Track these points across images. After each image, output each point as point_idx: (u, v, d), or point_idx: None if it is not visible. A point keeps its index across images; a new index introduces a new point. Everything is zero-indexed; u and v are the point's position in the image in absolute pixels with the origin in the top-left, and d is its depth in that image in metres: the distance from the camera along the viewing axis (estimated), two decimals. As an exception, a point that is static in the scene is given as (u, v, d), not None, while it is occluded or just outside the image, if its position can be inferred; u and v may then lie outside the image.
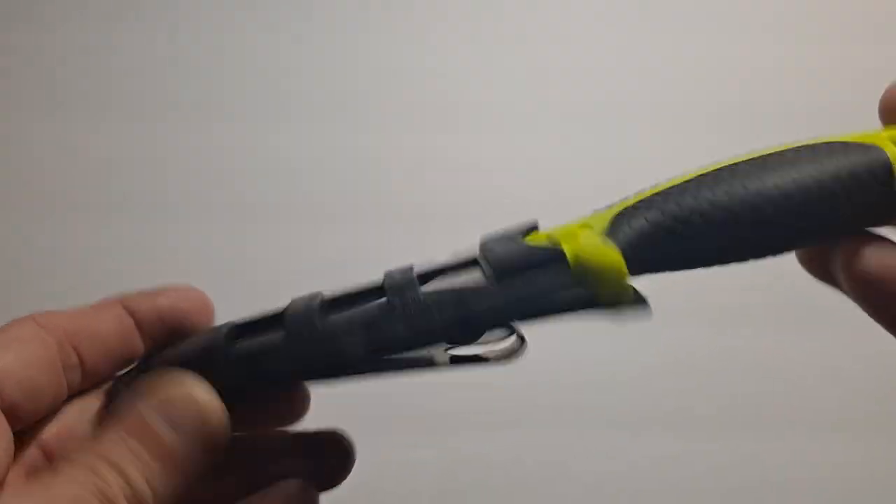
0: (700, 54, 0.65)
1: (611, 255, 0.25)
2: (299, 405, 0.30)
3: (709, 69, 0.65)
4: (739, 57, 0.65)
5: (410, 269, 0.27)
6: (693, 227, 0.25)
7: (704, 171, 0.26)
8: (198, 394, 0.25)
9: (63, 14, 0.65)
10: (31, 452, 0.27)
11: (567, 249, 0.25)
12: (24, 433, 0.27)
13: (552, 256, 0.25)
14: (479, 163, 0.61)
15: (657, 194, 0.26)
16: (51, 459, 0.27)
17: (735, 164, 0.26)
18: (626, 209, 0.26)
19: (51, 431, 0.27)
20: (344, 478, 0.30)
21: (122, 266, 0.59)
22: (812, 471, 0.57)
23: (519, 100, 0.64)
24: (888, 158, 0.25)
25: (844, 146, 0.25)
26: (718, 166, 0.26)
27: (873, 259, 0.25)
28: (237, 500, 0.28)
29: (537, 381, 0.54)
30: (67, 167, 0.62)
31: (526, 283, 0.25)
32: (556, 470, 0.56)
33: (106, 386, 0.29)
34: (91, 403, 0.28)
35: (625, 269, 0.25)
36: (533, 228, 0.27)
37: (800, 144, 0.26)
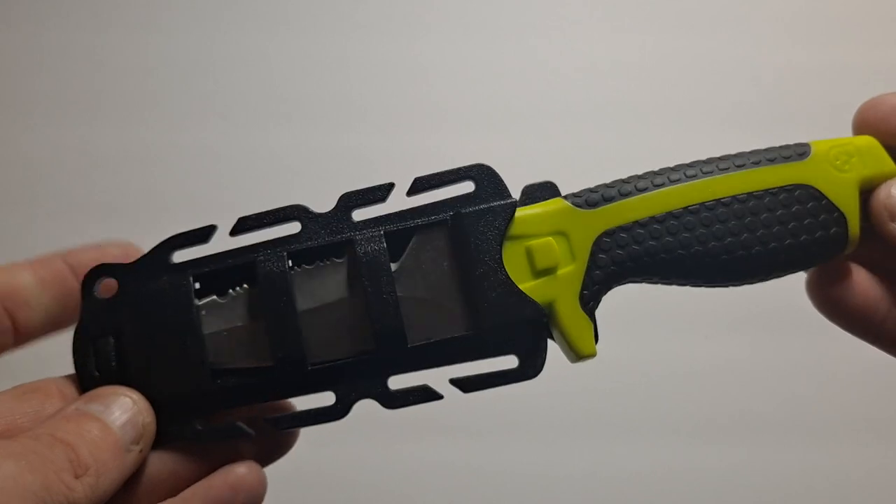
0: (698, 53, 0.65)
1: (585, 334, 0.28)
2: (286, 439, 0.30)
3: (704, 68, 0.65)
4: (738, 57, 0.65)
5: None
6: (669, 266, 0.29)
7: (683, 200, 0.29)
8: (129, 393, 0.27)
9: (63, 14, 0.64)
10: None
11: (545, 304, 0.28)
12: None
13: (535, 319, 0.28)
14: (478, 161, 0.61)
15: (640, 225, 0.29)
16: None
17: (709, 203, 0.29)
18: (610, 232, 0.29)
19: None
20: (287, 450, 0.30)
21: None
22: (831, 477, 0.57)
23: (512, 100, 0.64)
24: (821, 192, 0.29)
25: (797, 198, 0.29)
26: (694, 196, 0.29)
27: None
28: (187, 486, 0.28)
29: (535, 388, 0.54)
30: (67, 167, 0.62)
31: (501, 336, 0.28)
32: (551, 476, 0.57)
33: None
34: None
35: (594, 348, 0.29)
36: (511, 212, 0.29)
37: (759, 189, 0.29)
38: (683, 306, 0.58)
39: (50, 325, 0.30)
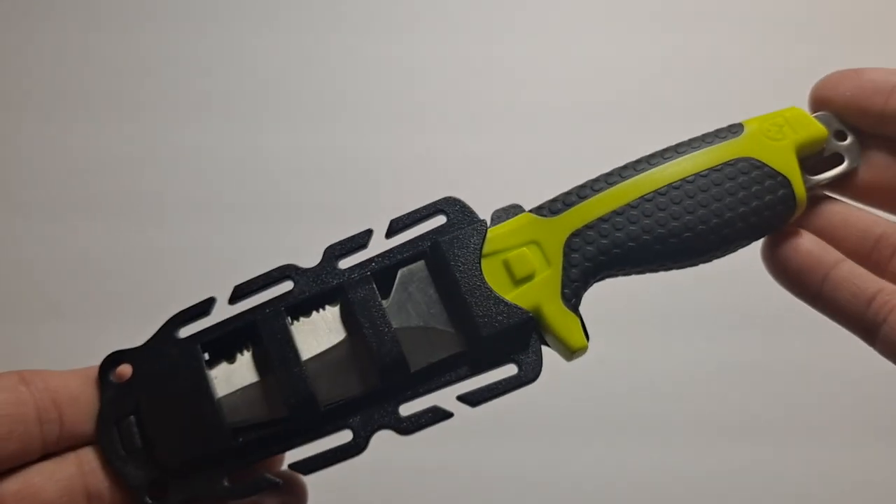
0: (692, 51, 0.68)
1: (574, 329, 0.30)
2: (295, 499, 0.31)
3: (699, 66, 0.67)
4: (735, 56, 0.68)
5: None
6: (637, 253, 0.31)
7: (637, 191, 0.32)
8: None
9: (62, 14, 0.67)
10: None
11: (531, 309, 0.30)
12: None
13: (524, 324, 0.30)
14: (476, 161, 0.63)
15: (603, 220, 0.31)
16: None
17: (662, 189, 0.31)
18: (577, 232, 0.31)
19: (12, 487, 0.28)
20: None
21: (122, 266, 0.59)
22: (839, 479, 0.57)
23: (505, 99, 0.66)
24: (760, 161, 0.32)
25: (740, 170, 0.32)
26: (647, 186, 0.32)
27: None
28: None
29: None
30: (67, 167, 0.62)
31: (496, 346, 0.30)
32: (558, 477, 0.56)
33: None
34: (65, 467, 0.29)
35: (584, 341, 0.30)
36: (483, 232, 0.31)
37: (704, 168, 0.32)
38: (682, 307, 0.59)
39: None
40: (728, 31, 0.69)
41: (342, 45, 0.68)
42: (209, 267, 0.59)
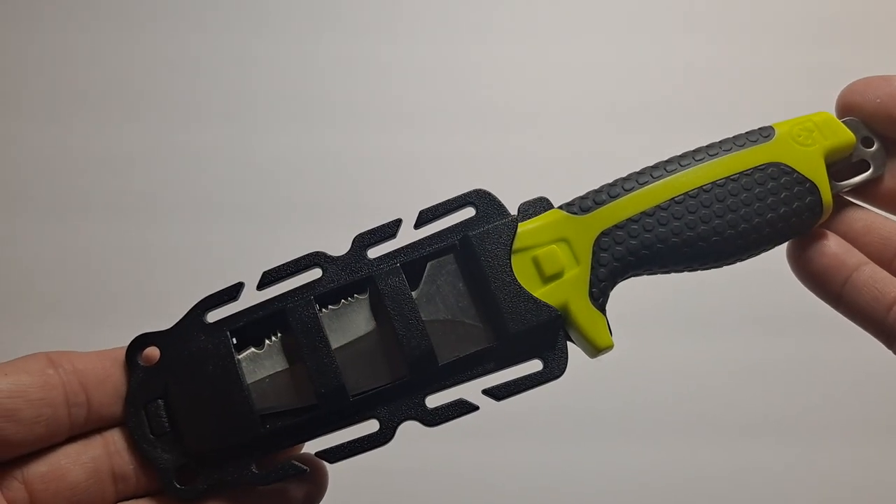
0: (691, 55, 0.68)
1: (600, 328, 0.31)
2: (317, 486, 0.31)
3: (696, 70, 0.67)
4: (731, 57, 0.68)
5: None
6: (665, 255, 0.32)
7: (668, 193, 0.32)
8: None
9: (63, 15, 0.66)
10: (14, 485, 0.28)
11: (559, 307, 0.31)
12: (11, 464, 0.28)
13: (552, 321, 0.30)
14: (472, 161, 0.63)
15: (633, 221, 0.31)
16: (33, 497, 0.28)
17: (692, 192, 0.32)
18: (607, 231, 0.31)
19: (40, 469, 0.28)
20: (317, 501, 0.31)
21: (122, 266, 0.59)
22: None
23: (504, 101, 0.66)
24: (790, 167, 0.32)
25: (770, 175, 0.32)
26: (678, 188, 0.32)
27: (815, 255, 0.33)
28: None
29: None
30: (67, 167, 0.62)
31: (523, 342, 0.30)
32: (556, 476, 0.57)
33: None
34: (91, 449, 0.29)
35: (610, 340, 0.31)
36: (514, 228, 0.31)
37: (734, 172, 0.32)
38: (687, 306, 0.59)
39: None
40: (751, 34, 0.69)
41: (342, 46, 0.67)
42: (209, 266, 0.59)
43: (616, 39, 0.68)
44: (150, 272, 0.60)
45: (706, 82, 0.67)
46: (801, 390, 0.59)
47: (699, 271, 0.33)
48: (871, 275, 0.32)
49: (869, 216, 0.34)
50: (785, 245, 0.34)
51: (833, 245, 0.33)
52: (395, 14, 0.68)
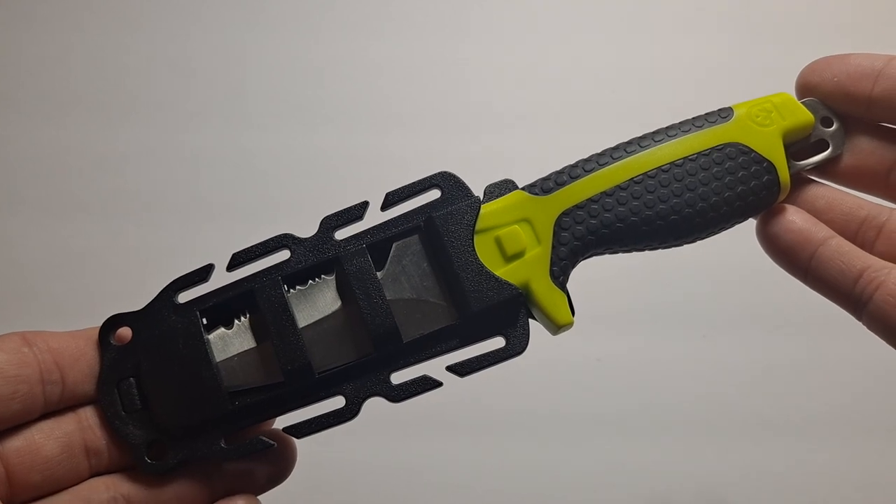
0: (691, 55, 0.68)
1: (561, 305, 0.31)
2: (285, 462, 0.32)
3: (694, 70, 0.68)
4: (729, 57, 0.68)
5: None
6: (624, 234, 0.32)
7: (627, 173, 0.32)
8: None
9: (63, 15, 0.67)
10: None
11: (521, 285, 0.31)
12: None
13: (514, 299, 0.31)
14: (470, 160, 0.63)
15: (592, 201, 0.32)
16: (8, 471, 0.29)
17: (651, 172, 0.32)
18: (567, 211, 0.32)
19: (15, 444, 0.29)
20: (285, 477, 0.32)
21: (121, 265, 0.60)
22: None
23: (495, 99, 0.67)
24: (748, 147, 0.33)
25: (727, 155, 0.33)
26: (637, 168, 0.32)
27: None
28: None
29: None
30: (67, 167, 0.63)
31: (486, 320, 0.31)
32: (553, 475, 0.58)
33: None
34: (64, 425, 0.30)
35: (570, 317, 0.32)
36: (477, 209, 0.32)
37: (692, 152, 0.33)
38: (680, 304, 0.59)
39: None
40: (752, 35, 0.69)
41: (341, 46, 0.68)
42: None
43: (611, 39, 0.69)
44: (147, 271, 0.60)
45: (706, 82, 0.67)
46: (802, 390, 0.60)
47: (660, 250, 0.33)
48: (836, 248, 0.32)
49: (830, 192, 0.34)
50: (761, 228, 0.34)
51: (799, 221, 0.33)
52: (388, 14, 0.69)
